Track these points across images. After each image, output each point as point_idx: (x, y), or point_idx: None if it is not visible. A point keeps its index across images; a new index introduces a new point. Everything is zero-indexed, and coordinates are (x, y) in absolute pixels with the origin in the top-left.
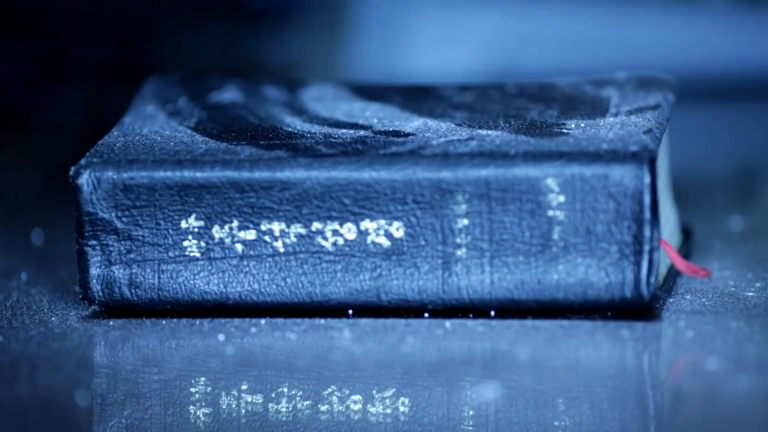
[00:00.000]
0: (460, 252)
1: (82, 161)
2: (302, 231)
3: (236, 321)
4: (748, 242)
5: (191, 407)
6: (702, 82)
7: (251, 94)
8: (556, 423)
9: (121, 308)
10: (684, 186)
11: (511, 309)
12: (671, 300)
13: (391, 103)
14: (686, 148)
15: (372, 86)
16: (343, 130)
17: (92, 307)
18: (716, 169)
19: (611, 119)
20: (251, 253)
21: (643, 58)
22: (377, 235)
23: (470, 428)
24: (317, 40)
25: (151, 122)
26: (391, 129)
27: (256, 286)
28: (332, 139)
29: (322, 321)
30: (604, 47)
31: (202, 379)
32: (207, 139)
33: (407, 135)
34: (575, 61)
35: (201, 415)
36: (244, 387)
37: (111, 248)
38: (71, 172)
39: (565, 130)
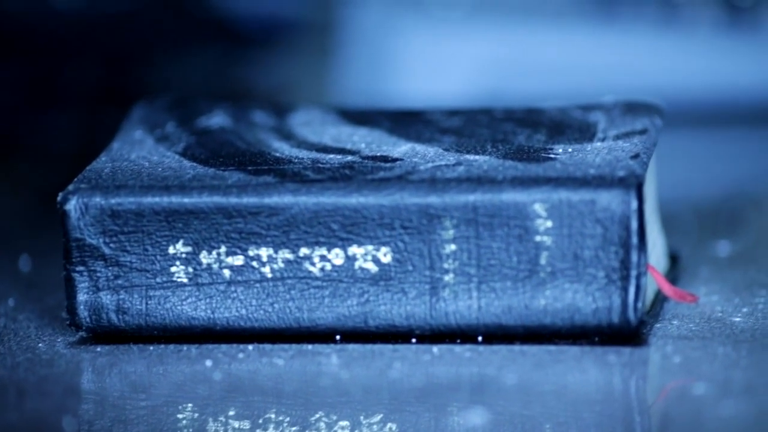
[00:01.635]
0: (448, 277)
1: (70, 187)
2: (290, 256)
3: (224, 347)
4: (736, 267)
5: None
6: (689, 107)
7: (239, 119)
8: None
9: (109, 334)
10: (671, 211)
11: (498, 334)
12: (658, 325)
13: (378, 128)
14: (673, 173)
15: (360, 111)
16: (331, 156)
17: (79, 333)
18: (703, 194)
19: (598, 144)
20: (239, 278)
21: (630, 83)
22: (365, 260)
23: None
24: (306, 65)
25: (139, 147)
26: (378, 154)
27: (243, 311)
28: (320, 165)
29: (310, 347)
30: (591, 72)
31: (190, 405)
32: (195, 164)
33: (395, 160)
34: (563, 86)
35: None
36: (231, 413)
37: (98, 274)
38: (59, 198)
39: (552, 155)
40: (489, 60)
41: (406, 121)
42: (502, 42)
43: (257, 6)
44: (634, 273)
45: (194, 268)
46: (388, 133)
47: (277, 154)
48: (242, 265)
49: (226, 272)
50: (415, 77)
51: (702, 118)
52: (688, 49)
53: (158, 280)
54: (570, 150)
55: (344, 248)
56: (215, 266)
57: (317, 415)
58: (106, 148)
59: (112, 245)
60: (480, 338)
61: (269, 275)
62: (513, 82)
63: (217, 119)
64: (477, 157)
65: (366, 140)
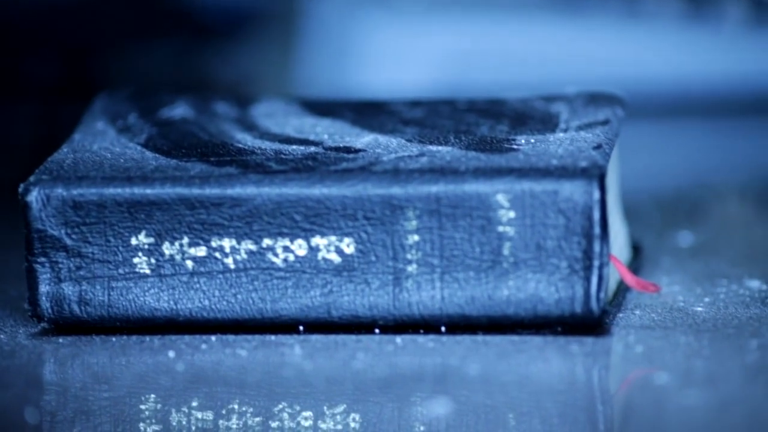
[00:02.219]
0: (411, 268)
1: (32, 178)
2: (253, 247)
3: (186, 338)
4: (697, 258)
5: (141, 424)
6: (651, 98)
7: (201, 110)
8: None
9: (71, 325)
10: (634, 202)
11: (461, 325)
12: (621, 315)
13: (341, 119)
14: (636, 165)
15: (322, 102)
16: (294, 146)
17: (41, 324)
18: (665, 185)
19: (561, 135)
20: (202, 269)
21: (592, 75)
22: (328, 251)
23: None
24: (269, 56)
25: (101, 139)
26: (341, 145)
27: (206, 302)
28: (283, 156)
29: (273, 337)
30: (553, 64)
31: (152, 396)
32: (157, 155)
33: (357, 151)
34: (525, 77)
35: None
36: (194, 404)
37: (60, 265)
38: (20, 189)
39: (515, 146)
40: (452, 51)
41: (369, 112)
42: (465, 33)
43: None
44: (596, 263)
45: (157, 260)
46: (351, 124)
47: (240, 145)
48: (205, 256)
49: (189, 263)
50: (378, 68)
51: (664, 110)
52: (650, 41)
53: (121, 271)
54: (532, 141)
55: (307, 239)
56: (178, 257)
57: (280, 406)
58: (67, 140)
59: (74, 236)
60: (443, 328)
61: (232, 266)
62: (476, 74)
63: (179, 110)
64: (440, 148)
65: (329, 131)
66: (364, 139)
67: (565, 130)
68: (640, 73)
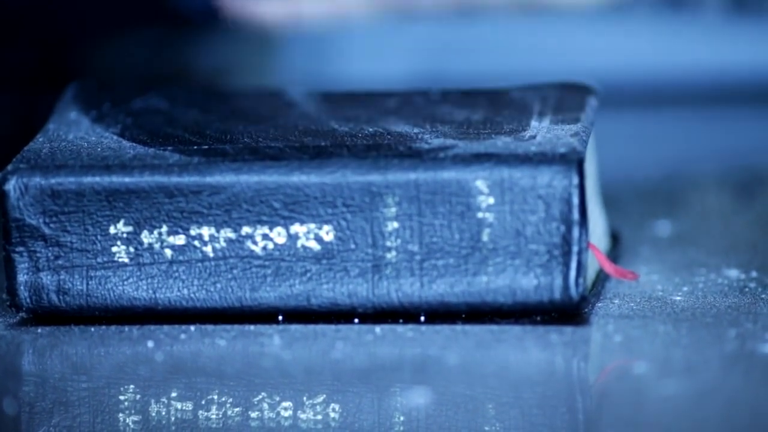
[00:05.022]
0: (390, 255)
1: (9, 167)
2: (232, 235)
3: (165, 328)
4: (676, 247)
5: (120, 415)
6: (628, 88)
7: (177, 100)
8: (487, 428)
9: (50, 315)
10: (612, 192)
11: (441, 312)
12: (600, 304)
13: (316, 109)
14: (614, 155)
15: (299, 92)
16: (272, 135)
17: (20, 314)
18: (644, 175)
19: (537, 124)
20: (181, 258)
21: (569, 65)
22: (307, 239)
23: None
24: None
25: (75, 128)
26: (319, 134)
27: (185, 291)
28: (261, 144)
29: (252, 327)
30: (528, 54)
31: (132, 386)
32: (134, 144)
33: (335, 139)
34: (500, 68)
35: (130, 423)
36: (173, 394)
37: (39, 254)
38: None
39: (493, 134)
40: (427, 42)
41: (345, 103)
42: (441, 25)
43: None
44: (575, 249)
45: (135, 248)
46: (328, 114)
47: (217, 134)
48: (184, 245)
49: (168, 252)
50: (355, 59)
51: (642, 99)
52: (626, 31)
53: (99, 260)
54: (509, 129)
55: (286, 227)
56: (157, 246)
57: (260, 396)
58: (42, 129)
59: (52, 225)
60: (423, 317)
61: (211, 254)
62: (451, 65)
63: (154, 100)
64: (418, 135)
65: (305, 121)
66: (341, 129)
67: (541, 119)
68: (619, 62)
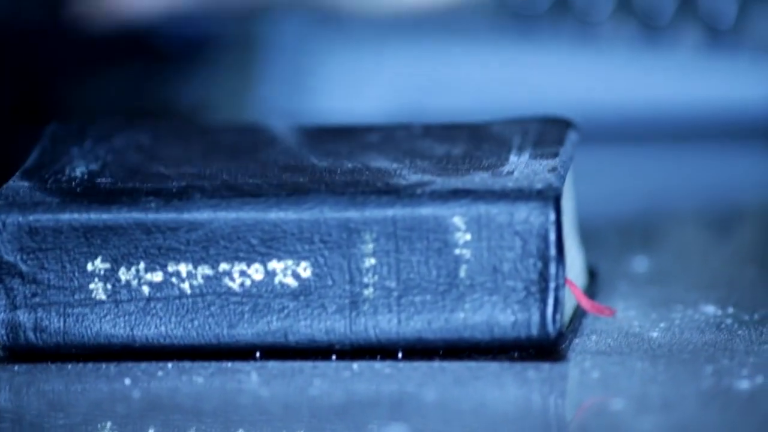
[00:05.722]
0: (368, 292)
1: None
2: (209, 272)
3: (143, 365)
4: (653, 283)
5: None
6: (606, 123)
7: (159, 136)
8: None
9: (26, 352)
10: (589, 227)
11: (418, 348)
12: (577, 340)
13: (297, 144)
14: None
15: (280, 126)
16: (250, 171)
17: None
18: (621, 210)
19: (516, 158)
20: (158, 295)
21: (547, 100)
22: (285, 275)
23: None
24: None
25: (55, 166)
26: (297, 169)
27: (163, 328)
28: (239, 180)
29: (230, 364)
30: (508, 89)
31: (109, 423)
32: (112, 180)
33: (314, 175)
34: (480, 102)
35: None
36: (150, 431)
37: (16, 292)
38: None
39: (470, 170)
40: (408, 77)
41: (325, 137)
42: (422, 59)
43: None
44: (552, 285)
45: (113, 285)
46: (308, 149)
47: (195, 170)
48: (161, 282)
49: (145, 289)
50: (334, 95)
51: (619, 135)
52: (605, 66)
53: (76, 297)
54: (488, 164)
55: (264, 263)
56: (134, 283)
57: None
58: (21, 168)
59: (29, 262)
60: (400, 354)
61: (188, 291)
62: (432, 99)
63: (136, 136)
64: (397, 170)
65: (285, 156)
66: (320, 164)
67: (520, 154)
68: (595, 98)
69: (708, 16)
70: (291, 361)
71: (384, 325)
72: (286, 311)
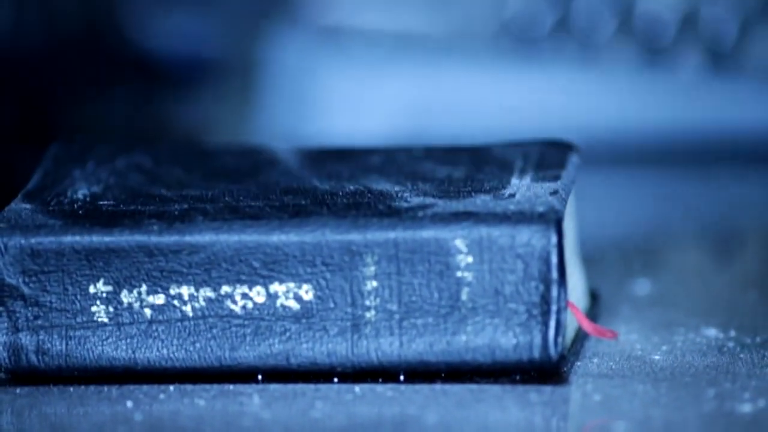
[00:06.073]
0: (369, 314)
1: None
2: (211, 295)
3: (145, 387)
4: (655, 306)
5: None
6: (608, 146)
7: (161, 158)
8: None
9: (29, 375)
10: (591, 250)
11: (420, 371)
12: (579, 363)
13: (299, 166)
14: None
15: (282, 148)
16: (252, 194)
17: None
18: (623, 233)
19: (517, 181)
20: (160, 317)
21: (549, 123)
22: (286, 298)
23: None
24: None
25: (58, 187)
26: (299, 192)
27: (165, 351)
28: (240, 203)
29: (231, 387)
30: (510, 112)
31: None
32: (115, 203)
33: (316, 197)
34: (481, 125)
35: None
36: None
37: (18, 315)
38: None
39: (472, 192)
40: (409, 100)
41: (326, 160)
42: (423, 82)
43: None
44: (554, 308)
45: (115, 308)
46: (309, 171)
47: (197, 193)
48: (163, 304)
49: (147, 311)
50: (336, 117)
51: (621, 158)
52: (607, 89)
53: (79, 319)
54: (489, 187)
55: (266, 286)
56: (136, 305)
57: None
58: (23, 189)
59: (31, 285)
60: (402, 376)
61: (190, 314)
62: (433, 122)
63: (138, 158)
64: (398, 193)
65: (286, 178)
66: (322, 187)
67: (522, 177)
68: (597, 121)
69: (709, 39)
70: (293, 383)
71: (386, 347)
72: (287, 334)
